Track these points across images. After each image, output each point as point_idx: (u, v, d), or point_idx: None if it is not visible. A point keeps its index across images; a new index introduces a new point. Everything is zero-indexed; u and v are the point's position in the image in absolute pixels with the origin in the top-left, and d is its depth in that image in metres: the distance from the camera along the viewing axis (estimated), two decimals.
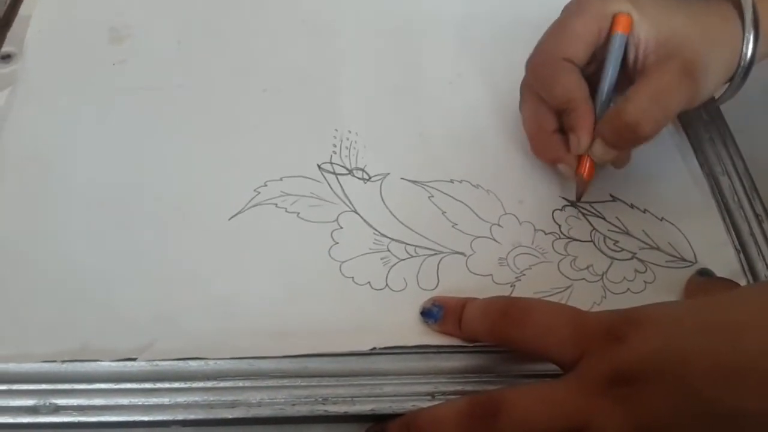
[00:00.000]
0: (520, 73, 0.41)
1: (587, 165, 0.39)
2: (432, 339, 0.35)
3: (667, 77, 0.36)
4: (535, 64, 0.39)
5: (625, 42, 0.38)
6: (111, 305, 0.36)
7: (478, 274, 0.38)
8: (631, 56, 0.38)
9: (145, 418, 0.33)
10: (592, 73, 0.39)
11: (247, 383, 0.34)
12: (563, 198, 0.41)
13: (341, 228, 0.40)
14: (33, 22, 0.49)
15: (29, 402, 0.33)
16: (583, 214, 0.40)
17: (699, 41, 0.37)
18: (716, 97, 0.42)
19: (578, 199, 0.40)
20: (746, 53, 0.38)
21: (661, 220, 0.40)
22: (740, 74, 0.39)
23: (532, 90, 0.40)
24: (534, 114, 0.40)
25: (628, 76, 0.39)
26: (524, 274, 0.38)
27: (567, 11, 0.39)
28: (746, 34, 0.38)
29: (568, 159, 0.39)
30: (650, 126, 0.36)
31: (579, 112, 0.37)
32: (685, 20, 0.37)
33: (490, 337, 0.33)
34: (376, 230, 0.39)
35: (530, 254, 0.39)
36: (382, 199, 0.41)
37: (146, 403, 0.33)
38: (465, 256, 0.39)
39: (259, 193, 0.41)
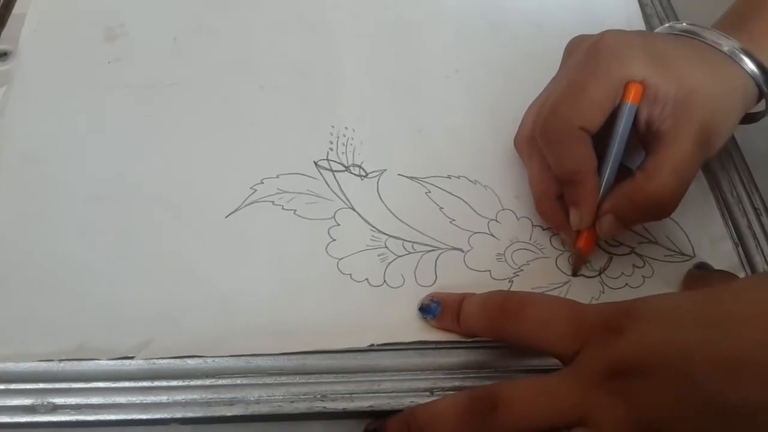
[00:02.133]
0: (516, 70, 0.41)
1: (589, 239, 0.37)
2: (430, 335, 0.35)
3: (687, 148, 0.34)
4: (548, 129, 0.36)
5: (635, 112, 0.35)
6: (108, 304, 0.36)
7: (476, 270, 0.38)
8: (644, 117, 0.36)
9: (143, 417, 0.33)
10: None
11: (246, 381, 0.34)
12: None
13: (338, 225, 0.39)
14: (28, 21, 0.49)
15: (27, 401, 0.33)
16: None
17: (718, 93, 0.35)
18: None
19: (575, 273, 0.38)
20: (753, 70, 0.36)
21: None
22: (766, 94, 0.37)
23: (539, 149, 0.38)
24: (540, 175, 0.38)
25: (638, 136, 0.37)
26: (522, 270, 0.38)
27: (583, 70, 0.36)
28: (740, 62, 0.36)
29: (570, 230, 0.37)
30: (676, 203, 0.35)
31: (585, 187, 0.36)
32: (703, 70, 0.35)
33: (489, 332, 0.33)
34: (373, 227, 0.39)
35: (528, 250, 0.39)
36: (380, 196, 0.41)
37: (144, 402, 0.33)
38: (463, 252, 0.39)
39: (256, 190, 0.41)
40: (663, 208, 0.35)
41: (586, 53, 0.37)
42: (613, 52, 0.36)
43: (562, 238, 0.39)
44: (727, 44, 0.37)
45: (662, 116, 0.35)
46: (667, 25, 0.40)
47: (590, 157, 0.36)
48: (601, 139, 0.36)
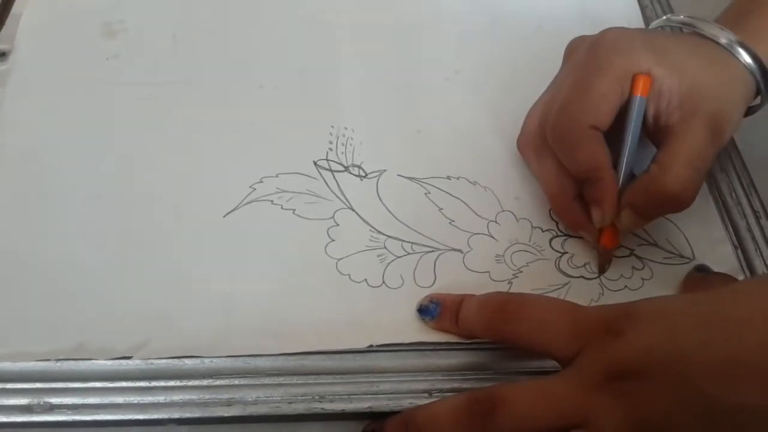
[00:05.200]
0: (516, 71, 0.40)
1: (612, 235, 0.37)
2: (429, 336, 0.35)
3: (698, 139, 0.35)
4: (559, 130, 0.36)
5: (645, 105, 0.36)
6: (106, 303, 0.36)
7: (475, 271, 0.38)
8: (651, 112, 0.36)
9: (141, 417, 0.33)
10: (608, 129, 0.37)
11: (243, 381, 0.34)
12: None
13: (337, 225, 0.39)
14: (25, 19, 0.49)
15: (24, 401, 0.33)
16: None
17: (720, 85, 0.35)
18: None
19: (602, 272, 0.38)
20: (749, 63, 0.36)
21: None
22: (764, 88, 0.37)
23: (551, 150, 0.38)
24: (555, 177, 0.38)
25: (647, 131, 0.37)
26: (521, 272, 0.38)
27: (586, 68, 0.36)
28: (736, 53, 0.36)
29: (591, 228, 0.37)
30: (693, 194, 0.35)
31: (603, 183, 0.35)
32: (704, 64, 0.36)
33: (488, 333, 0.33)
34: (372, 227, 0.39)
35: (527, 251, 0.39)
36: (379, 196, 0.41)
37: (141, 402, 0.33)
38: (462, 253, 0.39)
39: (255, 189, 0.40)
40: (680, 199, 0.35)
41: (588, 51, 0.37)
42: (615, 48, 0.36)
43: (584, 237, 0.39)
44: (723, 36, 0.37)
45: (669, 110, 0.36)
46: (664, 17, 0.40)
47: (604, 154, 0.36)
48: (613, 135, 0.36)
